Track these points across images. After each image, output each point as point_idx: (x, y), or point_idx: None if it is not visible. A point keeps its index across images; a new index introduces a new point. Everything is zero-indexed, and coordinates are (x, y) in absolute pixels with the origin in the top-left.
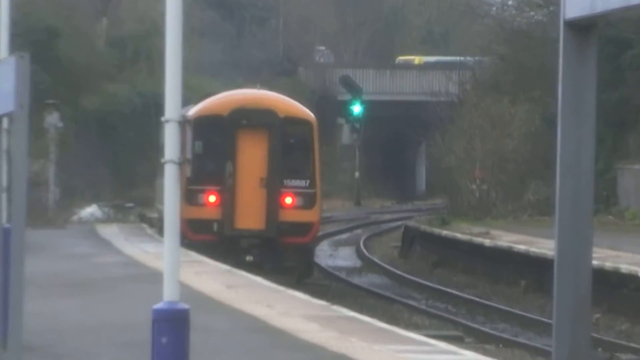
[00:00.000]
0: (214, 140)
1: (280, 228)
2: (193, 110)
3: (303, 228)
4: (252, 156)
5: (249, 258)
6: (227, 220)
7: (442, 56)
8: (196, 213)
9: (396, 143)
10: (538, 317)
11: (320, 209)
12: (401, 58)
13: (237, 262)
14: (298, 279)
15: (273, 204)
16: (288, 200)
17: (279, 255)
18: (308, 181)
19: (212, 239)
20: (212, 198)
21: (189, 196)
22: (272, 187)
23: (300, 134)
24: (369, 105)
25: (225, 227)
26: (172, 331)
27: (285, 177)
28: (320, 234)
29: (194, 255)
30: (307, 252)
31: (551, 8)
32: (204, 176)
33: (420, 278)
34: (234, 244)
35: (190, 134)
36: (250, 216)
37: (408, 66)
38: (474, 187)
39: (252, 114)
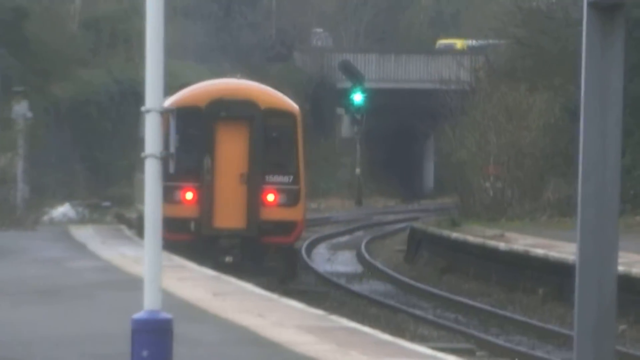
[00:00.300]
0: (190, 134)
1: (262, 227)
2: (168, 102)
3: (286, 227)
4: (232, 150)
5: (228, 259)
6: (205, 219)
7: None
8: (172, 211)
9: (401, 136)
10: (558, 329)
11: (305, 206)
12: (441, 42)
13: (215, 263)
14: (281, 281)
15: (254, 202)
16: (270, 197)
17: (261, 255)
18: (291, 177)
19: (189, 238)
20: (189, 195)
21: (164, 193)
22: (253, 184)
23: (283, 126)
24: (371, 94)
25: (203, 226)
26: (154, 343)
27: (267, 172)
28: (317, 236)
29: (177, 260)
30: (290, 253)
31: None
32: (181, 172)
33: (427, 285)
34: (213, 244)
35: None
36: (229, 214)
37: (414, 50)
38: (488, 184)
39: (231, 105)
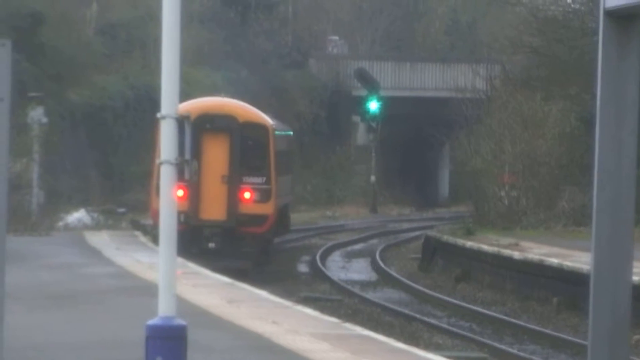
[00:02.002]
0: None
1: (239, 219)
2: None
3: (260, 219)
4: (215, 156)
5: (211, 245)
6: (193, 212)
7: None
8: None
9: (417, 144)
10: (572, 338)
11: (275, 202)
12: None
13: (200, 248)
14: (255, 264)
15: (233, 198)
16: (247, 195)
17: (238, 242)
18: (264, 178)
19: (179, 228)
20: (180, 192)
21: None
22: (233, 183)
23: (257, 136)
24: (386, 102)
25: (191, 218)
26: (168, 350)
27: (244, 174)
28: (332, 243)
29: (192, 267)
30: (263, 241)
31: None
32: None
33: (442, 294)
34: (198, 233)
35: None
36: (213, 208)
37: (430, 59)
38: (503, 193)
39: (215, 118)
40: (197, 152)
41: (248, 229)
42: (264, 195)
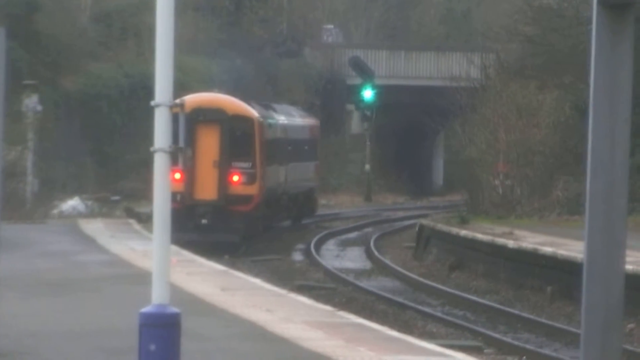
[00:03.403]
0: (178, 132)
1: (228, 199)
2: None
3: (246, 199)
4: (207, 144)
5: (203, 221)
6: (188, 192)
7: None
8: None
9: (411, 133)
10: (565, 327)
11: (260, 185)
12: None
13: (194, 224)
14: (242, 237)
15: (223, 180)
16: (235, 178)
17: (227, 219)
18: (250, 163)
19: (176, 206)
20: (177, 175)
21: None
22: (223, 168)
23: (244, 127)
24: (381, 90)
25: (186, 198)
26: (161, 337)
27: (232, 159)
28: (326, 232)
29: (186, 254)
30: (249, 217)
31: None
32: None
33: (436, 282)
34: (192, 211)
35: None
36: (205, 189)
37: (425, 47)
38: (497, 182)
39: (207, 112)
40: (191, 141)
41: (236, 207)
42: (250, 178)
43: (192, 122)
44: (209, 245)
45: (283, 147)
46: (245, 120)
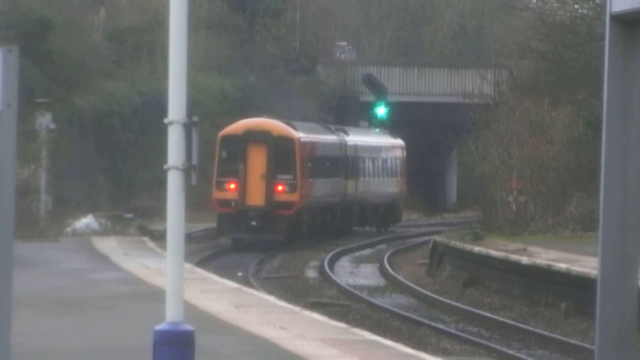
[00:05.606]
0: (232, 150)
1: (274, 204)
2: (221, 132)
3: (288, 205)
4: (256, 160)
5: (253, 223)
6: (241, 199)
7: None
8: (223, 195)
9: (424, 149)
10: (580, 343)
11: (301, 193)
12: None
13: (245, 226)
14: (286, 238)
15: (270, 189)
16: (279, 187)
17: (273, 221)
18: (292, 175)
19: (231, 211)
20: (232, 186)
21: (218, 184)
22: (269, 179)
23: (287, 146)
24: (394, 107)
25: (239, 204)
26: (175, 355)
27: (277, 173)
28: (340, 249)
29: (200, 272)
30: (291, 220)
31: (597, 0)
32: (227, 172)
33: (450, 299)
34: (244, 214)
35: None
36: (255, 197)
37: (438, 64)
38: (511, 199)
39: (256, 133)
40: (243, 157)
41: (280, 212)
42: (292, 188)
43: (244, 142)
44: (257, 243)
45: (350, 164)
46: (288, 140)
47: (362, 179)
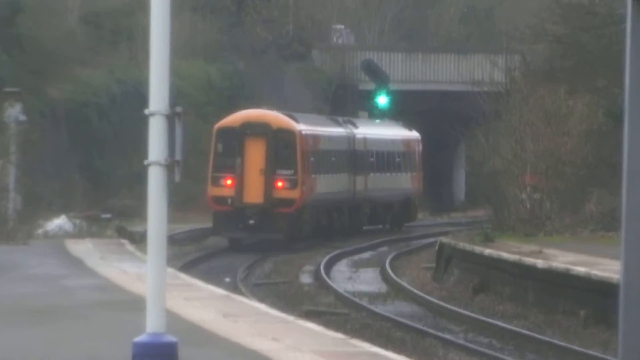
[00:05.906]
0: (229, 144)
1: (273, 202)
2: (217, 124)
3: (289, 202)
4: (255, 154)
5: (251, 221)
6: (238, 196)
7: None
8: (218, 192)
9: (430, 142)
10: (600, 355)
11: (302, 189)
12: None
13: (243, 224)
14: (286, 237)
15: (269, 186)
16: (279, 183)
17: (272, 219)
18: (292, 171)
19: (227, 208)
20: (228, 182)
21: (214, 180)
22: (268, 175)
23: (287, 139)
24: (396, 96)
25: (236, 201)
26: None
27: (277, 168)
28: (337, 251)
29: (183, 278)
30: (292, 218)
31: None
32: (224, 167)
33: (458, 306)
34: (242, 212)
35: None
36: (253, 193)
37: (444, 49)
38: (524, 196)
39: (254, 126)
40: (241, 152)
41: (280, 209)
42: (292, 184)
43: (241, 135)
44: (256, 243)
45: (359, 158)
46: (288, 132)
47: (372, 174)
